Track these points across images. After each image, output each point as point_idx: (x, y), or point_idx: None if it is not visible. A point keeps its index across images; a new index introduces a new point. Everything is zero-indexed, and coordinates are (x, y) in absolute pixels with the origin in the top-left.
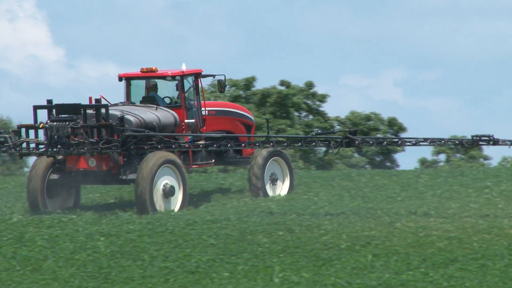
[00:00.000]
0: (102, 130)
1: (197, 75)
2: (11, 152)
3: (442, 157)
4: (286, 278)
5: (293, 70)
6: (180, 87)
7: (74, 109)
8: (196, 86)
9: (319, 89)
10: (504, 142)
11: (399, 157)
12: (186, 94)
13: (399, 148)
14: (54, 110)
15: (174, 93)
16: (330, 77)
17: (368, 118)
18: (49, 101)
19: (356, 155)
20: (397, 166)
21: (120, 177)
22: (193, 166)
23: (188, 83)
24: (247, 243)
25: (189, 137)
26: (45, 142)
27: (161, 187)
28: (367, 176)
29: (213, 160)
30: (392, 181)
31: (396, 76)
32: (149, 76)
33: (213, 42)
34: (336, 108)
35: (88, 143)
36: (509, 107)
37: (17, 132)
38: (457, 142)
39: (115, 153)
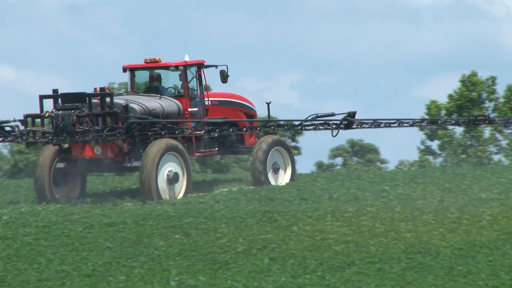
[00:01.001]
0: (106, 118)
1: (200, 66)
2: (17, 141)
3: (339, 160)
4: (182, 281)
5: None
6: (183, 76)
7: (79, 98)
8: (199, 77)
9: None
10: (500, 121)
11: (296, 160)
12: (189, 84)
13: (394, 126)
14: (59, 100)
15: (178, 83)
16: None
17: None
18: (55, 91)
19: (251, 158)
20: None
21: (125, 164)
22: (196, 154)
23: (191, 73)
24: (144, 247)
25: (192, 124)
26: (51, 130)
27: (166, 173)
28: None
29: (216, 148)
30: (289, 185)
31: (293, 79)
32: (153, 67)
33: (109, 45)
34: None
35: (93, 131)
36: (405, 110)
37: (24, 122)
38: (453, 121)
39: (119, 140)
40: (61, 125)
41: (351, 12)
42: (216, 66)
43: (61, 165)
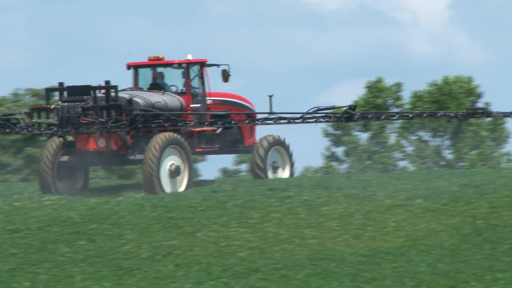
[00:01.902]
0: (111, 111)
1: (202, 65)
2: (23, 133)
3: (244, 167)
4: (87, 287)
5: (97, 78)
6: (186, 74)
7: (84, 90)
8: (201, 75)
9: None
10: (497, 114)
11: (200, 166)
12: (191, 82)
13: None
14: (65, 92)
15: (180, 81)
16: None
17: None
18: (61, 84)
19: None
20: (199, 175)
21: (128, 157)
22: (198, 150)
23: (193, 72)
24: (48, 253)
25: (195, 118)
26: (56, 122)
27: (168, 167)
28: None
29: (217, 145)
30: (194, 191)
31: None
32: (156, 64)
33: (13, 51)
34: None
35: (98, 123)
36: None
37: (29, 114)
38: (452, 115)
39: (123, 132)
40: (67, 117)
41: (257, 18)
42: (218, 65)
43: (65, 158)
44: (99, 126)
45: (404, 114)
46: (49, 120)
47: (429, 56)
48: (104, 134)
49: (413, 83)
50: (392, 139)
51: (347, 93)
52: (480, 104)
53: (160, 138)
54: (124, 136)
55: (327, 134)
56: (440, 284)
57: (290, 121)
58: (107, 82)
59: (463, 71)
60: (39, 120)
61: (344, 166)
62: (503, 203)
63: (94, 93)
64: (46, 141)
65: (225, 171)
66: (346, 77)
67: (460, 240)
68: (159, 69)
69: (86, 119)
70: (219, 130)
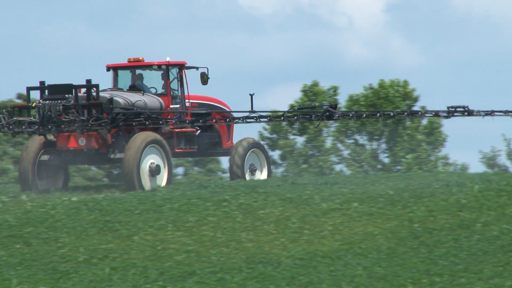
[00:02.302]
0: (92, 109)
1: (181, 67)
2: (4, 131)
3: (180, 170)
4: None
5: (31, 83)
6: (165, 76)
7: (65, 89)
8: (180, 78)
9: None
10: (478, 113)
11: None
12: (170, 84)
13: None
14: (46, 91)
15: (160, 83)
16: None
17: None
18: (42, 82)
19: (94, 168)
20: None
21: (108, 156)
22: (177, 150)
23: (172, 74)
24: None
25: (175, 117)
26: (37, 121)
27: (148, 166)
28: (105, 189)
29: (196, 147)
30: (130, 194)
31: None
32: (136, 66)
33: None
34: None
35: (79, 121)
36: None
37: (10, 112)
38: (433, 113)
39: (104, 130)
40: (48, 115)
41: (192, 21)
42: (197, 68)
43: (45, 157)
44: (80, 124)
45: (386, 113)
46: (30, 118)
47: (365, 60)
48: (85, 132)
49: (349, 87)
50: (329, 142)
51: (283, 97)
52: (416, 108)
53: (140, 137)
54: (105, 135)
55: (263, 138)
56: (377, 287)
57: (271, 119)
58: (88, 81)
59: (399, 74)
60: (20, 118)
61: (281, 169)
62: (440, 206)
63: (75, 91)
64: (27, 141)
65: None
66: (282, 80)
67: (397, 243)
68: (139, 71)
69: (67, 117)
70: (198, 132)
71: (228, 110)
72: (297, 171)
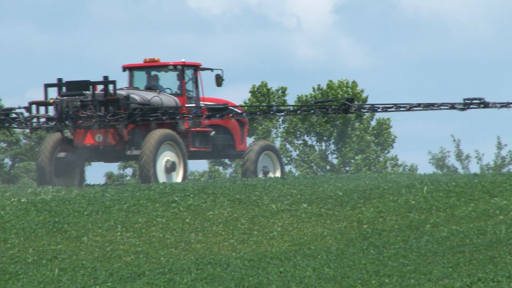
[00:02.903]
0: (109, 105)
1: (196, 68)
2: (22, 127)
3: (129, 171)
4: None
5: None
6: (180, 76)
7: (83, 85)
8: (195, 79)
9: (5, 103)
10: (494, 105)
11: (85, 171)
12: (185, 85)
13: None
14: (64, 88)
15: (175, 83)
16: (16, 91)
17: None
18: (59, 79)
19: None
20: (84, 180)
21: (125, 153)
22: (192, 149)
23: (187, 74)
24: None
25: (192, 112)
26: (55, 117)
27: (163, 163)
28: (53, 191)
29: (210, 147)
30: (79, 195)
31: None
32: (151, 66)
33: None
34: None
35: (96, 116)
36: None
37: (28, 109)
38: (449, 106)
39: (121, 125)
40: (65, 111)
41: (141, 22)
42: (212, 70)
43: (62, 154)
44: (97, 120)
45: (401, 106)
46: (48, 114)
47: (313, 61)
48: (102, 128)
49: (298, 88)
50: (277, 143)
51: (232, 98)
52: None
53: (156, 134)
54: (121, 131)
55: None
56: None
57: (288, 113)
58: (105, 78)
59: (348, 75)
60: (38, 115)
61: (229, 170)
62: (389, 207)
63: (93, 87)
64: (44, 138)
65: (110, 176)
66: (230, 81)
67: (346, 244)
68: (154, 71)
69: (84, 113)
70: (213, 133)
71: (240, 112)
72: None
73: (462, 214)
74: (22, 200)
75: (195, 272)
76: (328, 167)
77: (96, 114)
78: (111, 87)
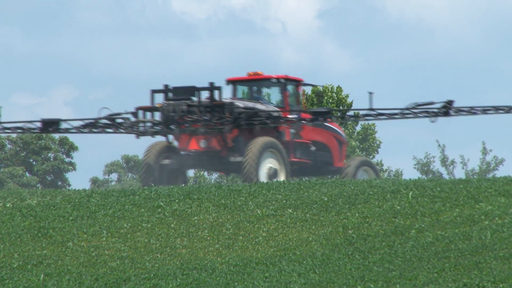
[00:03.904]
0: (214, 111)
1: (298, 83)
2: (128, 132)
3: (114, 176)
4: None
5: None
6: (283, 90)
7: (189, 91)
8: (297, 93)
9: None
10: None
11: (70, 176)
12: (287, 99)
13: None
14: (169, 94)
15: (277, 97)
16: (1, 95)
17: (39, 137)
18: (166, 86)
19: (27, 174)
20: (69, 185)
21: (228, 159)
22: (293, 159)
23: (289, 89)
24: None
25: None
26: (161, 121)
27: (266, 170)
28: (39, 195)
29: (310, 160)
30: (64, 200)
31: (66, 95)
32: (254, 79)
33: None
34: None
35: (202, 120)
36: None
37: (135, 114)
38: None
39: (225, 132)
40: (171, 115)
41: (125, 26)
42: (313, 85)
43: (166, 161)
44: (203, 123)
45: (500, 109)
46: (154, 119)
47: (298, 65)
48: (207, 134)
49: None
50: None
51: None
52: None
53: (259, 141)
54: (225, 137)
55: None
56: None
57: (390, 117)
58: (211, 84)
59: (332, 80)
60: (144, 120)
61: (214, 176)
62: (374, 213)
63: (199, 93)
64: (148, 146)
65: (95, 181)
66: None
67: (331, 250)
68: (257, 84)
69: (190, 117)
70: (313, 148)
71: (339, 130)
72: (231, 177)
73: (447, 220)
74: (7, 205)
75: (181, 278)
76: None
77: (201, 118)
78: (216, 93)
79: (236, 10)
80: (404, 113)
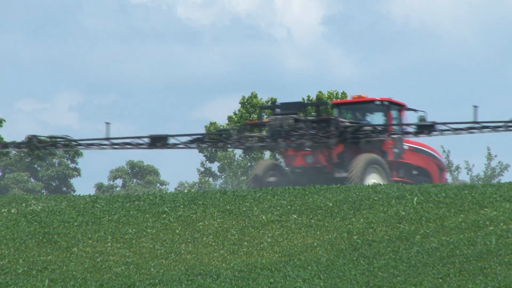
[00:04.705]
0: (321, 124)
1: (402, 108)
2: (235, 146)
3: (119, 182)
4: None
5: None
6: (386, 111)
7: (296, 106)
8: (399, 117)
9: None
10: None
11: (75, 182)
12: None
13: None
14: (276, 110)
15: (380, 119)
16: (4, 102)
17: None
18: (273, 102)
19: (32, 180)
20: (74, 191)
21: (333, 175)
22: (395, 178)
23: (392, 112)
24: None
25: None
26: (268, 136)
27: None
28: (44, 200)
29: (412, 181)
30: (69, 206)
31: (72, 101)
32: (358, 102)
33: None
34: (13, 133)
35: (309, 134)
36: (184, 131)
37: (242, 129)
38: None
39: (331, 147)
40: (278, 130)
41: (130, 32)
42: (416, 111)
43: (272, 179)
44: (309, 137)
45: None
46: (261, 134)
47: (303, 71)
48: (313, 148)
49: (288, 98)
50: (267, 154)
51: (222, 109)
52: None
53: (363, 157)
54: (331, 153)
55: (201, 149)
56: None
57: (494, 129)
58: (318, 99)
59: (337, 86)
60: (252, 134)
61: (219, 181)
62: (379, 218)
63: (305, 108)
64: (254, 164)
65: (99, 187)
66: (220, 92)
67: (336, 255)
68: (361, 107)
69: (297, 131)
70: (414, 172)
71: (438, 157)
72: (236, 182)
73: (452, 225)
74: (12, 211)
75: (186, 283)
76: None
77: (308, 132)
78: (322, 108)
79: (241, 16)
80: (508, 126)
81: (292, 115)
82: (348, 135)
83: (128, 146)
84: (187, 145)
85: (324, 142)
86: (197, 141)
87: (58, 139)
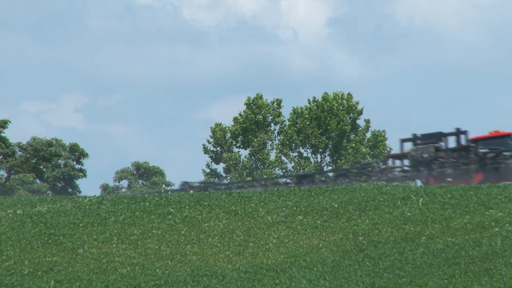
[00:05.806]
0: (461, 152)
1: None
2: (379, 178)
3: (124, 183)
4: None
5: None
6: None
7: (436, 136)
8: None
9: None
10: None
11: (81, 183)
12: None
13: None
14: (416, 141)
15: None
16: (9, 103)
17: (49, 144)
18: (414, 134)
19: (38, 181)
20: (79, 192)
21: None
22: None
23: None
24: None
25: None
26: (410, 166)
27: None
28: (49, 201)
29: None
30: (75, 207)
31: (76, 102)
32: (494, 137)
33: None
34: (17, 134)
35: (450, 162)
36: (189, 132)
37: (384, 161)
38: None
39: (472, 168)
40: (420, 159)
41: (136, 34)
42: None
43: None
44: (451, 164)
45: None
46: (403, 165)
47: (308, 73)
48: (454, 176)
49: (293, 100)
50: (273, 155)
51: (228, 110)
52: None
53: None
54: (471, 181)
55: (206, 151)
56: None
57: None
58: (457, 129)
59: (342, 87)
60: (394, 166)
61: (225, 182)
62: (384, 219)
63: (446, 137)
64: None
65: (105, 188)
66: (226, 93)
67: (342, 256)
68: (498, 141)
69: (438, 160)
70: None
71: None
72: (241, 183)
73: (457, 226)
74: (18, 212)
75: (191, 284)
76: (323, 179)
77: (449, 160)
78: (462, 137)
79: (246, 17)
80: None
81: (432, 144)
82: (487, 161)
83: (277, 187)
84: (333, 180)
85: (465, 169)
86: (342, 176)
87: (207, 184)
